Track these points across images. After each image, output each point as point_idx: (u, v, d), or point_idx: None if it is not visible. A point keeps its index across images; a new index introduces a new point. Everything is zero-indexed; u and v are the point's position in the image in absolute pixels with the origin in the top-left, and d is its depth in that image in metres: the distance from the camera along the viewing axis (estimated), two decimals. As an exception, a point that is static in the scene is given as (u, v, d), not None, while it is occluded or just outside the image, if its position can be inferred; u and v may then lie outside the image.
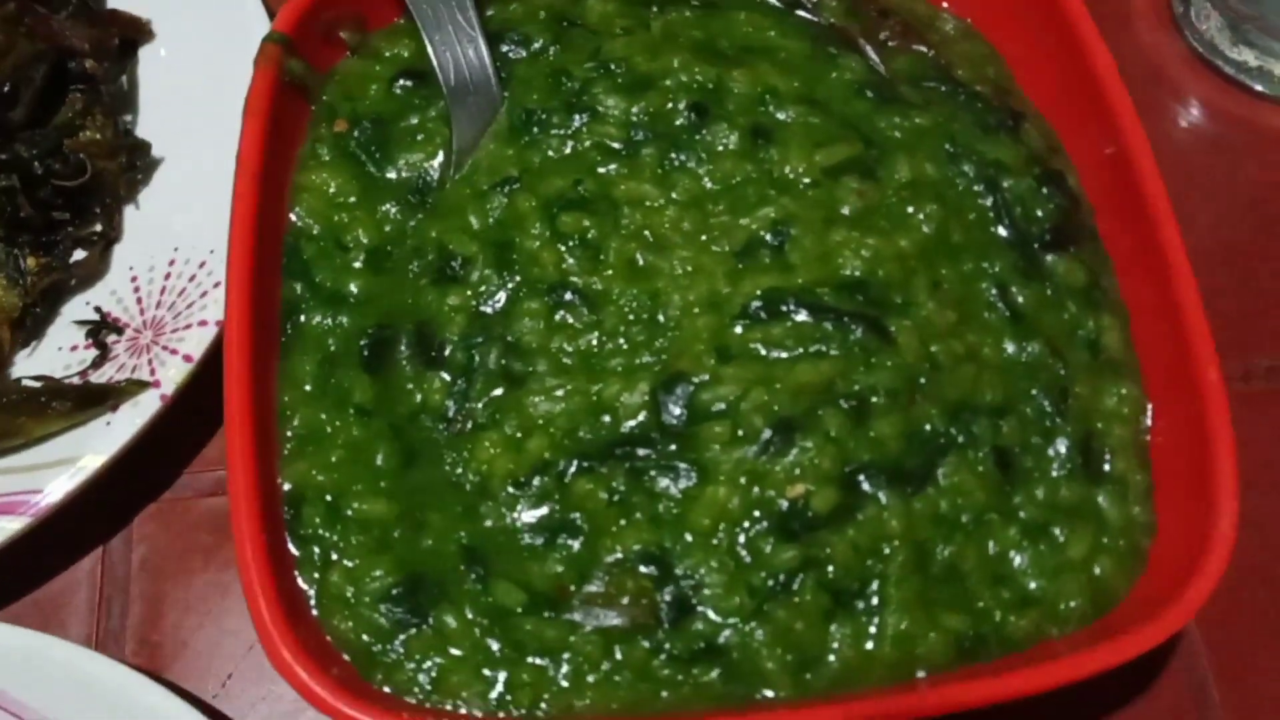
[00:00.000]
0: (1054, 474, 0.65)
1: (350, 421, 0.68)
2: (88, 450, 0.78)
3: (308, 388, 0.69)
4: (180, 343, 0.82)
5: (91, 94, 0.91)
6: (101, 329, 0.84)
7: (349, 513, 0.65)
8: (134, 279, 0.87)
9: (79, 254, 0.88)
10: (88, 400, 0.79)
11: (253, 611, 0.59)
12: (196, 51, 0.95)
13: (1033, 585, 0.63)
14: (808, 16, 0.82)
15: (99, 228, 0.89)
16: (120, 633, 0.78)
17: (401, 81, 0.79)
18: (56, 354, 0.85)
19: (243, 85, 0.90)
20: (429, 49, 0.77)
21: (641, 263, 0.71)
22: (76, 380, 0.82)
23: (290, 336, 0.71)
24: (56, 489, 0.76)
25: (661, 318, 0.69)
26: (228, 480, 0.63)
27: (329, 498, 0.66)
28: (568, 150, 0.75)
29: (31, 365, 0.84)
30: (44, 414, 0.78)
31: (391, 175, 0.76)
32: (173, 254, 0.87)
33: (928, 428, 0.65)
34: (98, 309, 0.86)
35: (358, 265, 0.73)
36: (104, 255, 0.89)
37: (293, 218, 0.75)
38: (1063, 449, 0.66)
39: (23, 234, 0.87)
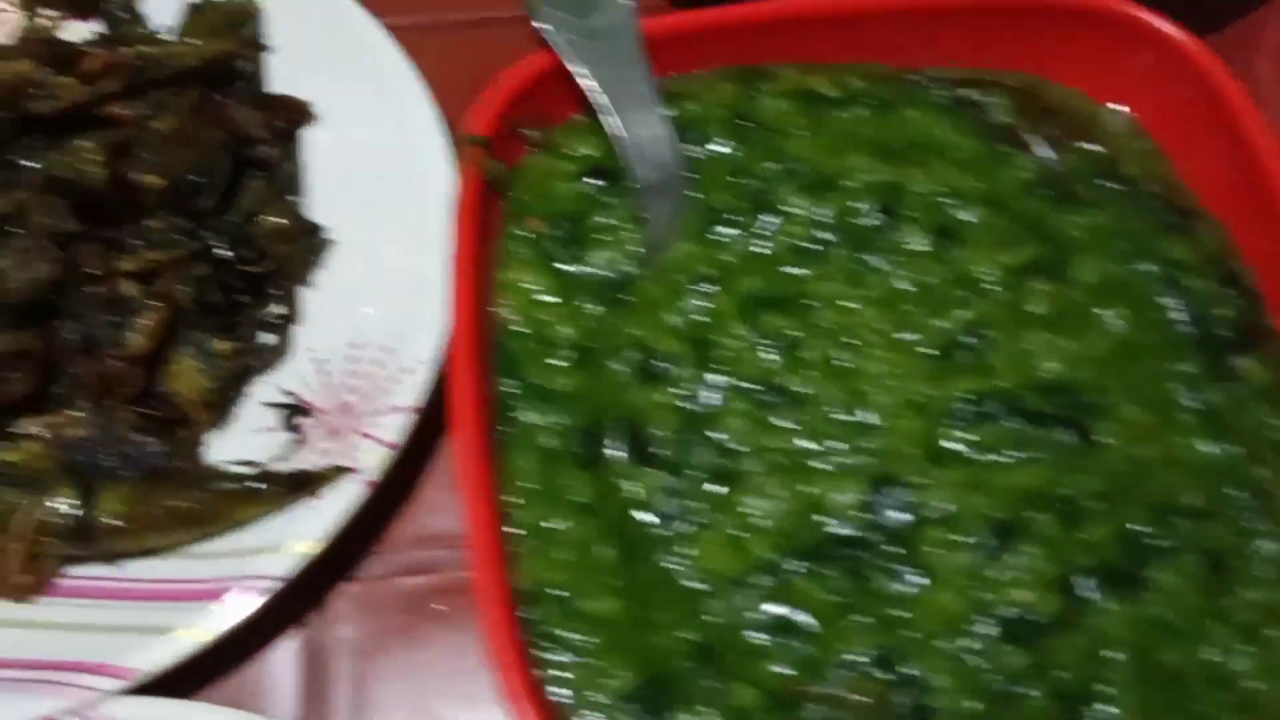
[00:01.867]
0: (1264, 575, 0.67)
1: (573, 519, 0.70)
2: (293, 535, 0.80)
3: (530, 485, 0.71)
4: (377, 428, 0.83)
5: (269, 179, 0.93)
6: (293, 412, 0.86)
7: (581, 612, 0.67)
8: (316, 362, 0.88)
9: (259, 336, 0.90)
10: (295, 486, 0.80)
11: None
12: (356, 133, 0.96)
13: (1253, 688, 0.64)
14: (975, 114, 0.83)
15: (280, 310, 0.90)
16: (329, 715, 0.80)
17: (589, 180, 0.81)
18: (250, 437, 0.86)
19: (407, 167, 0.93)
20: (622, 149, 0.78)
21: (841, 363, 0.73)
22: (279, 464, 0.84)
23: (505, 434, 0.73)
24: (270, 574, 0.78)
25: (867, 418, 0.71)
26: (476, 586, 0.64)
27: (561, 596, 0.67)
28: (759, 250, 0.76)
29: (224, 448, 0.86)
30: (253, 499, 0.80)
31: (586, 272, 0.78)
32: (353, 337, 0.88)
33: (1136, 531, 0.66)
34: (289, 392, 0.87)
35: (564, 362, 0.75)
36: (286, 338, 0.90)
37: (498, 315, 0.76)
38: (1270, 550, 0.67)
39: (210, 318, 0.88)
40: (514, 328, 0.75)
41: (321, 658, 0.82)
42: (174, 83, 0.90)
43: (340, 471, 0.81)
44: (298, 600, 0.84)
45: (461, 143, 0.77)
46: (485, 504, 0.66)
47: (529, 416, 0.72)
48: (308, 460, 0.83)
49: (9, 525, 0.78)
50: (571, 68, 0.77)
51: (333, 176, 0.96)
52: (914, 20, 0.83)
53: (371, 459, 0.82)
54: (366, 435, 0.83)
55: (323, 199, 0.95)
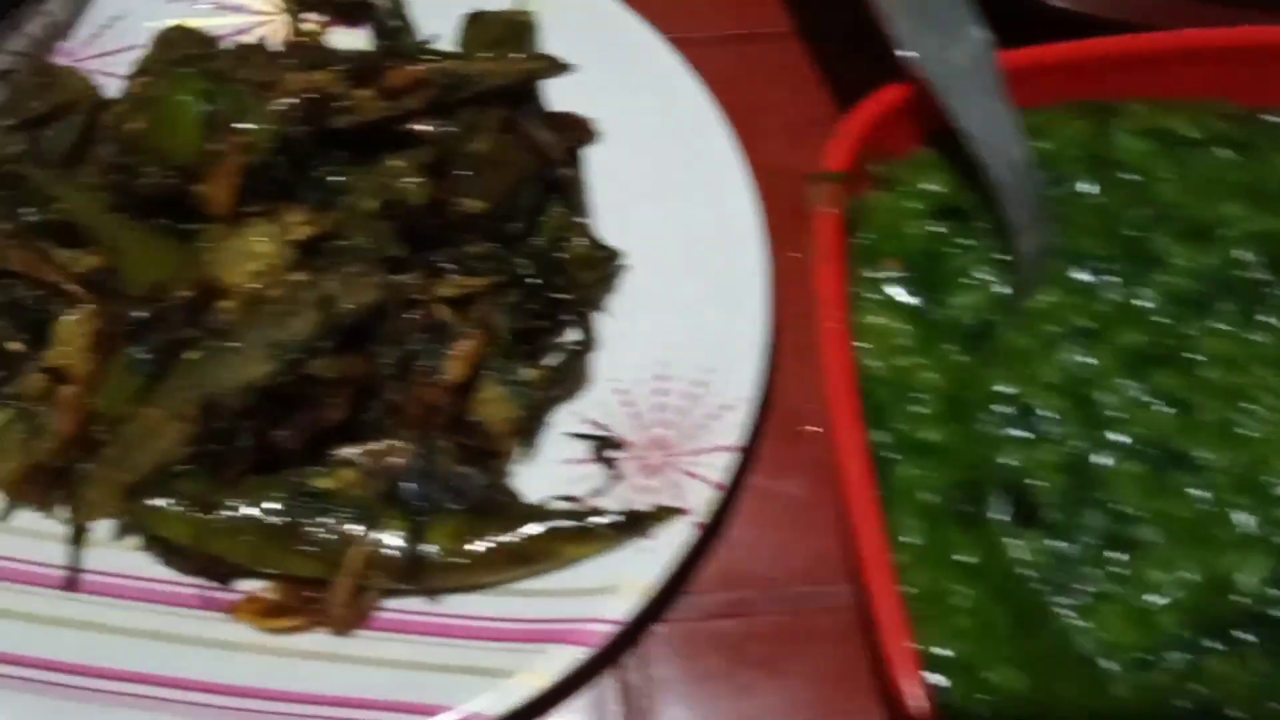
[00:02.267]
0: None
1: (964, 582, 0.67)
2: (628, 577, 0.77)
3: (914, 543, 0.68)
4: (702, 467, 0.80)
5: (568, 202, 0.90)
6: (604, 445, 0.83)
7: (985, 682, 0.64)
8: (619, 392, 0.86)
9: (558, 364, 0.87)
10: (627, 526, 0.78)
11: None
12: (641, 152, 0.93)
13: None
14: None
15: (578, 337, 0.88)
16: (661, 761, 0.78)
17: (939, 220, 0.77)
18: (555, 468, 0.84)
19: (701, 190, 0.90)
20: (991, 187, 0.74)
21: (1234, 425, 0.69)
22: (594, 500, 0.81)
23: (883, 490, 0.69)
24: (607, 616, 0.76)
25: (1270, 486, 0.67)
26: (884, 653, 0.62)
27: (963, 665, 0.64)
28: (1138, 302, 0.73)
29: (530, 479, 0.83)
30: (586, 538, 0.77)
31: (945, 318, 0.74)
32: (658, 368, 0.85)
33: None
34: (599, 424, 0.84)
35: (932, 413, 0.72)
36: (586, 366, 0.87)
37: (860, 362, 0.73)
38: None
39: (516, 345, 0.86)
40: (876, 375, 0.72)
41: (637, 699, 0.80)
42: (478, 101, 0.87)
43: (672, 512, 0.78)
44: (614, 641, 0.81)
45: (817, 179, 0.74)
46: (884, 569, 0.63)
47: (905, 470, 0.69)
48: (623, 496, 0.81)
49: (338, 557, 0.76)
50: (940, 100, 0.73)
51: (618, 198, 0.93)
52: (1270, 55, 0.79)
53: (699, 499, 0.79)
54: (690, 474, 0.80)
55: (609, 221, 0.92)
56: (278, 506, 0.76)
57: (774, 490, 0.86)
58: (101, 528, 0.81)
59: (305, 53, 0.93)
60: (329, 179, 0.84)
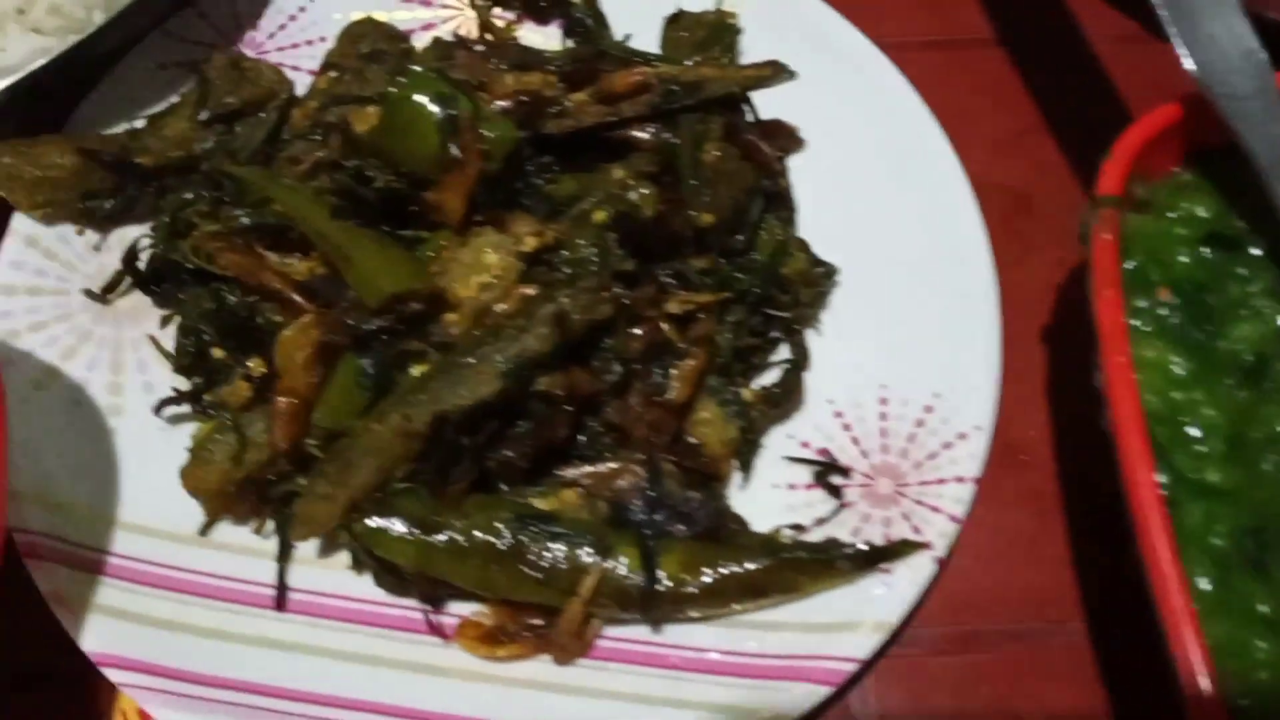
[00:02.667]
0: None
1: (1260, 634, 0.63)
2: (866, 613, 0.74)
3: (1207, 591, 0.64)
4: (938, 499, 0.77)
5: (782, 215, 0.86)
6: (827, 470, 0.80)
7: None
8: (838, 414, 0.82)
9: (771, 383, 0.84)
10: (869, 560, 0.74)
11: None
12: (852, 161, 0.89)
13: None
14: None
15: (790, 355, 0.84)
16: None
17: (1208, 246, 0.73)
18: (772, 493, 0.80)
19: (922, 204, 0.86)
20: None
21: None
22: (818, 529, 0.78)
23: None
24: (848, 654, 0.72)
25: None
26: (1190, 706, 0.58)
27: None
28: None
29: (744, 504, 0.80)
30: (825, 571, 0.74)
31: (1222, 350, 0.71)
32: (879, 390, 0.82)
33: None
34: (823, 450, 0.81)
35: (1212, 452, 0.68)
36: (800, 386, 0.84)
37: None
38: None
39: (733, 363, 0.82)
40: (1152, 410, 0.68)
41: (869, 737, 0.77)
42: (698, 108, 0.83)
43: (913, 546, 0.75)
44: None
45: (1095, 203, 0.70)
46: (1189, 620, 0.60)
47: (1190, 513, 0.66)
48: (851, 525, 0.77)
49: (567, 583, 0.73)
50: (1225, 121, 0.69)
51: (828, 209, 0.89)
52: None
53: (937, 533, 0.76)
54: (925, 504, 0.77)
55: (818, 234, 0.88)
56: (504, 529, 0.73)
57: (997, 521, 0.82)
58: (306, 545, 0.78)
59: (508, 52, 0.89)
60: (546, 187, 0.81)
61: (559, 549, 0.73)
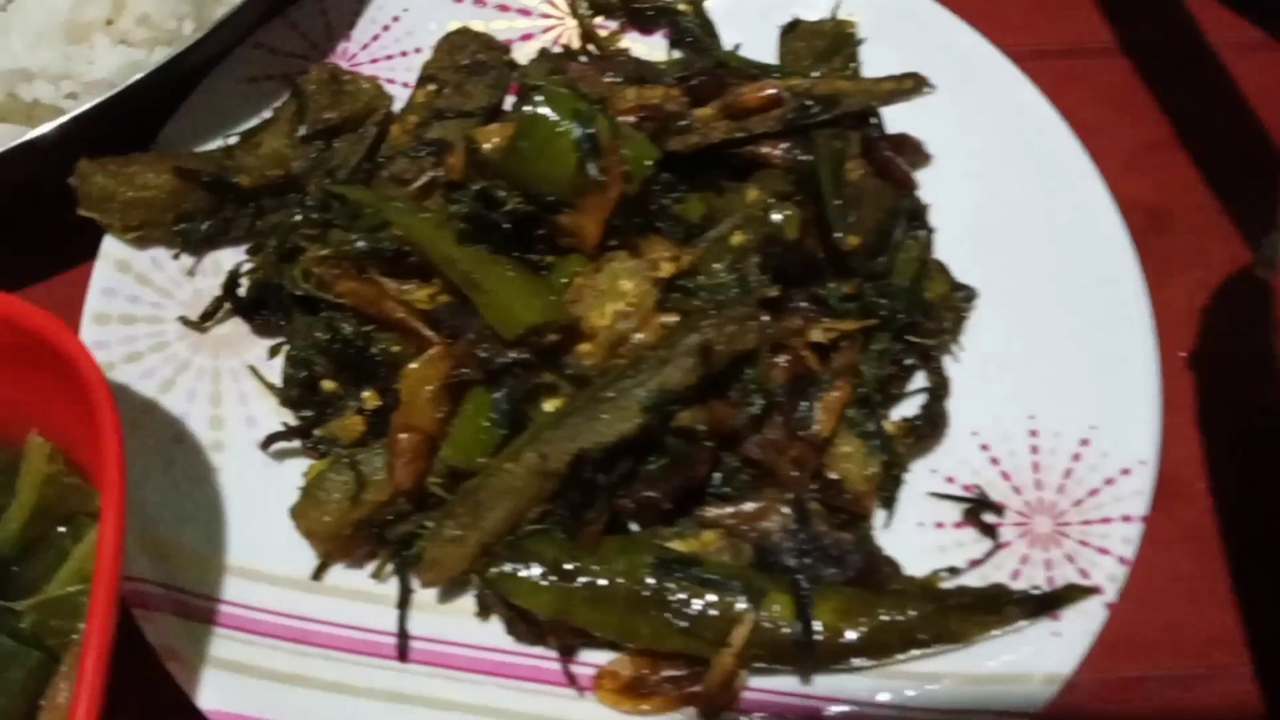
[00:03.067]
0: None
1: None
2: (1037, 664, 0.69)
3: None
4: (1104, 539, 0.72)
5: (921, 234, 0.82)
6: (978, 508, 0.75)
7: None
8: (984, 446, 0.77)
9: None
10: (1038, 606, 0.69)
11: None
12: (984, 177, 0.85)
13: None
14: None
15: (928, 384, 0.79)
16: None
17: None
18: (917, 532, 0.75)
19: (1065, 224, 0.82)
20: None
21: None
22: (972, 571, 0.73)
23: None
24: (1023, 708, 0.67)
25: None
26: None
27: None
28: None
29: (889, 542, 0.75)
30: (990, 618, 0.69)
31: None
32: (1029, 423, 0.77)
33: None
34: (970, 485, 0.76)
35: None
36: (942, 416, 0.79)
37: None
38: None
39: (875, 394, 0.77)
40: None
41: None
42: (834, 123, 0.78)
43: (1084, 591, 0.70)
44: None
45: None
46: None
47: None
48: (1007, 568, 0.73)
49: (715, 632, 0.68)
50: None
51: (960, 228, 0.84)
52: None
53: (1107, 576, 0.71)
54: (1089, 545, 0.72)
55: (951, 254, 0.83)
56: (647, 575, 0.68)
57: (1155, 560, 0.77)
58: (426, 590, 0.73)
59: (622, 64, 0.85)
60: (674, 209, 0.76)
61: (707, 596, 0.68)
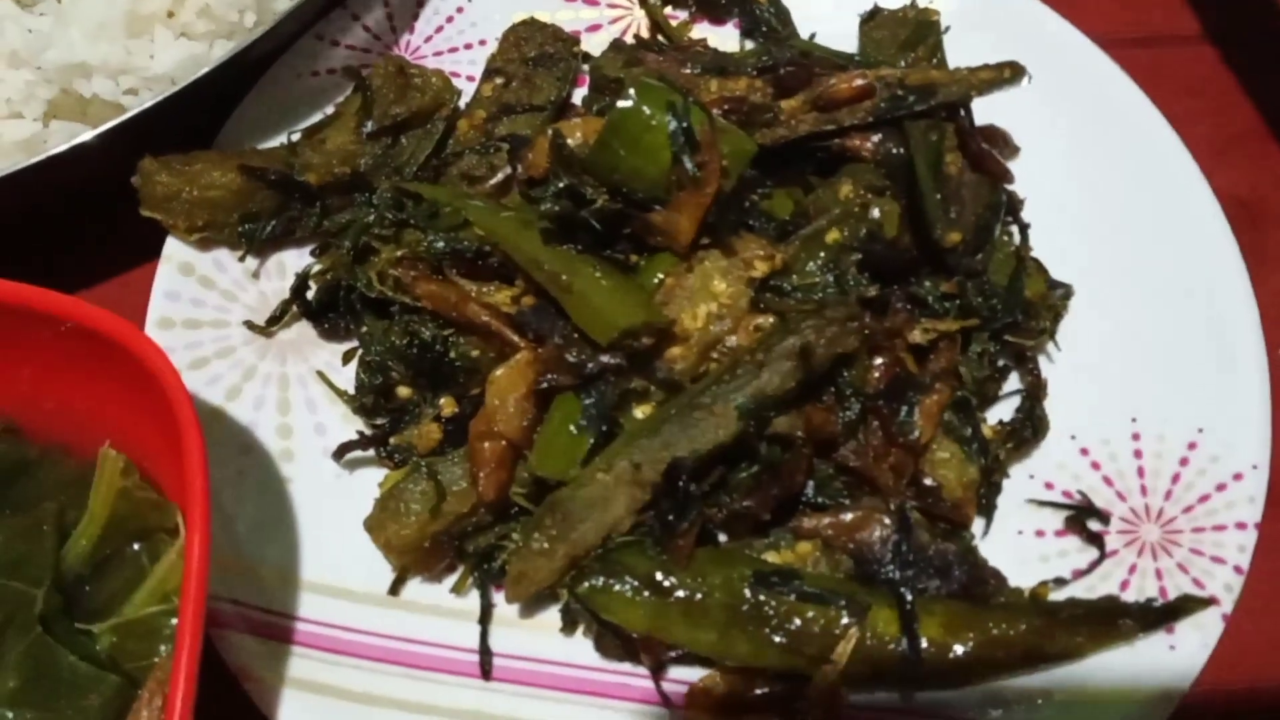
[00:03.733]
0: None
1: None
2: (1151, 679, 0.66)
3: None
4: (1218, 547, 0.69)
5: (1016, 230, 0.78)
6: (1083, 515, 0.72)
7: None
8: (1083, 451, 0.74)
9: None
10: (1155, 618, 0.66)
11: None
12: (1073, 169, 0.81)
13: None
14: None
15: (1023, 385, 0.76)
16: None
17: None
18: (1016, 540, 0.72)
19: (1165, 216, 0.78)
20: None
21: None
22: (1078, 580, 0.70)
23: None
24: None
25: None
26: None
27: None
28: None
29: (988, 551, 0.71)
30: (1104, 632, 0.66)
31: None
32: (1132, 426, 0.74)
33: None
34: (1069, 491, 0.73)
35: None
36: (1040, 419, 0.75)
37: None
38: None
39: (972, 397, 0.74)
40: None
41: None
42: (928, 115, 0.75)
43: (1200, 603, 0.67)
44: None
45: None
46: None
47: None
48: (1116, 578, 0.70)
49: (815, 647, 0.65)
50: None
51: (1051, 223, 0.80)
52: None
53: (1223, 586, 0.68)
54: (1203, 554, 0.69)
55: (1042, 249, 0.80)
56: (744, 589, 0.65)
57: (1266, 567, 0.74)
58: (507, 605, 0.70)
59: (699, 54, 0.81)
60: (762, 205, 0.72)
61: (809, 611, 0.65)
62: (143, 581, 0.61)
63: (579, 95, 0.86)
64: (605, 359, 0.65)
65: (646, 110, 0.65)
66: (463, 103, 0.85)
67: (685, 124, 0.64)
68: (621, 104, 0.65)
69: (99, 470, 0.63)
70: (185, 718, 0.51)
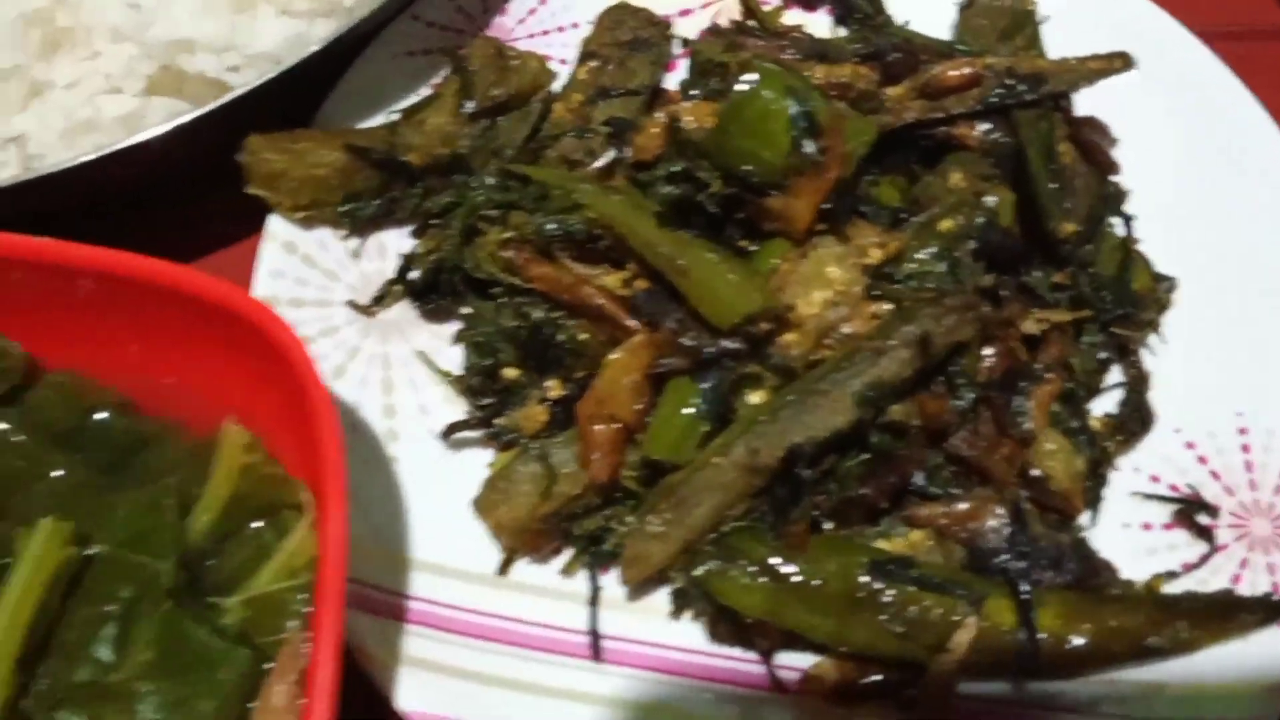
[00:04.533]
0: None
1: None
2: (1268, 674, 0.66)
3: None
4: (1326, 541, 0.69)
5: (1122, 221, 0.78)
6: (1190, 508, 0.72)
7: None
8: (1189, 444, 0.74)
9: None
10: (1273, 612, 0.66)
11: None
12: (1179, 160, 0.81)
13: None
14: None
15: (1127, 377, 0.76)
16: None
17: None
18: (1123, 532, 0.72)
19: (1267, 207, 0.78)
20: None
21: None
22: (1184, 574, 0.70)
23: None
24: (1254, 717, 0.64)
25: None
26: None
27: None
28: None
29: (1096, 543, 0.72)
30: (1221, 625, 0.66)
31: None
32: (1238, 420, 0.74)
33: None
34: (1175, 484, 0.72)
35: None
36: (1145, 411, 0.75)
37: None
38: None
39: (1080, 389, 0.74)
40: None
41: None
42: (1032, 104, 0.75)
43: (1312, 598, 0.66)
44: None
45: None
46: None
47: None
48: (1226, 571, 0.70)
49: (931, 636, 0.65)
50: None
51: (1152, 213, 0.80)
52: None
53: (1334, 581, 0.67)
54: (1311, 547, 0.69)
55: (1145, 240, 0.79)
56: (861, 576, 0.65)
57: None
58: (613, 588, 0.70)
59: (799, 41, 0.81)
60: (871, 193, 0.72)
61: (926, 599, 0.65)
62: (268, 557, 0.61)
63: (669, 81, 0.86)
64: (725, 343, 0.65)
65: (767, 94, 0.64)
66: (557, 86, 0.85)
67: (807, 108, 0.64)
68: (741, 88, 0.65)
69: (222, 445, 0.62)
70: (330, 695, 0.51)
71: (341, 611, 0.53)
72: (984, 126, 0.74)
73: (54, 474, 0.64)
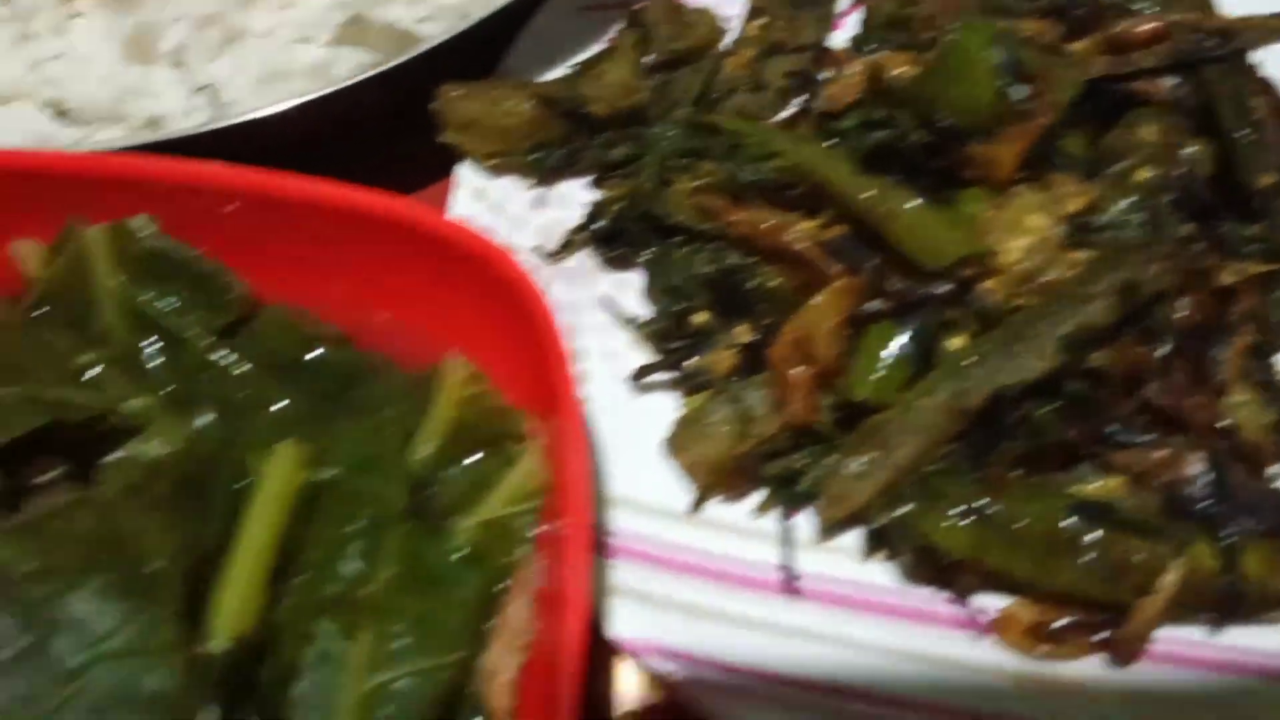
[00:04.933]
0: None
1: None
2: None
3: None
4: None
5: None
6: (1381, 460, 0.72)
7: None
8: (1374, 399, 0.74)
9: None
10: None
11: None
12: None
13: None
14: None
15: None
16: None
17: None
18: (1312, 480, 0.72)
19: None
20: None
21: None
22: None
23: None
24: None
25: None
26: None
27: None
28: None
29: (1270, 494, 0.72)
30: None
31: None
32: None
33: None
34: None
35: None
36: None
37: None
38: None
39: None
40: None
41: None
42: (1219, 60, 0.75)
43: None
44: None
45: None
46: None
47: None
48: None
49: (1133, 577, 0.66)
50: None
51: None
52: None
53: None
54: None
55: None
56: (1063, 518, 0.66)
57: None
58: (802, 527, 0.71)
59: (974, -3, 0.82)
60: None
61: (1130, 542, 0.65)
62: (490, 485, 0.62)
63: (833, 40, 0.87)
64: (933, 287, 0.66)
65: (976, 41, 0.65)
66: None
67: (1015, 56, 0.65)
68: (950, 38, 0.66)
69: (444, 377, 0.64)
70: (583, 623, 0.52)
71: (590, 529, 0.54)
72: (1172, 81, 0.74)
73: (276, 405, 0.65)
